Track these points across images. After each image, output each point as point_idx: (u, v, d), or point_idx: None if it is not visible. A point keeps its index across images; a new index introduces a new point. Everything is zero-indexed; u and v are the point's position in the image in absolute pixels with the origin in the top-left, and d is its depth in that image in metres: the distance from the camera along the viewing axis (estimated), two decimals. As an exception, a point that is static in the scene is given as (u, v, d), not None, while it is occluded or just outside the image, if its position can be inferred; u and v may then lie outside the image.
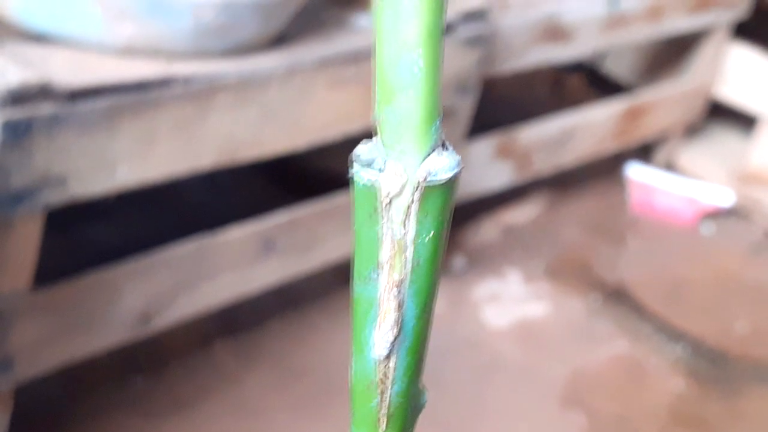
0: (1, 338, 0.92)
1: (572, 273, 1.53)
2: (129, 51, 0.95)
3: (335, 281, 1.32)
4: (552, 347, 1.38)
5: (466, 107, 1.32)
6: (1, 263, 0.89)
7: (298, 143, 1.10)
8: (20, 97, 0.84)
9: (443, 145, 0.26)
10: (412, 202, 0.26)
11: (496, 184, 1.51)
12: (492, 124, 1.50)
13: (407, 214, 0.26)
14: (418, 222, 0.26)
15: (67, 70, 0.90)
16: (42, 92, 0.86)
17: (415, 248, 0.27)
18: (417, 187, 0.26)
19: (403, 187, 0.26)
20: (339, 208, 1.21)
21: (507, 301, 1.44)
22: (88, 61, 0.93)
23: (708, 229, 1.73)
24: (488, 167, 1.47)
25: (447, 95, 1.28)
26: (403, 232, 0.26)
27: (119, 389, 1.12)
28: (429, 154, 0.26)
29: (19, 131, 0.85)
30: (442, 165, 0.26)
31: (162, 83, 0.94)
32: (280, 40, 1.07)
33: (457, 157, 0.26)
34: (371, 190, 0.26)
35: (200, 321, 1.18)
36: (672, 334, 1.44)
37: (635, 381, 1.35)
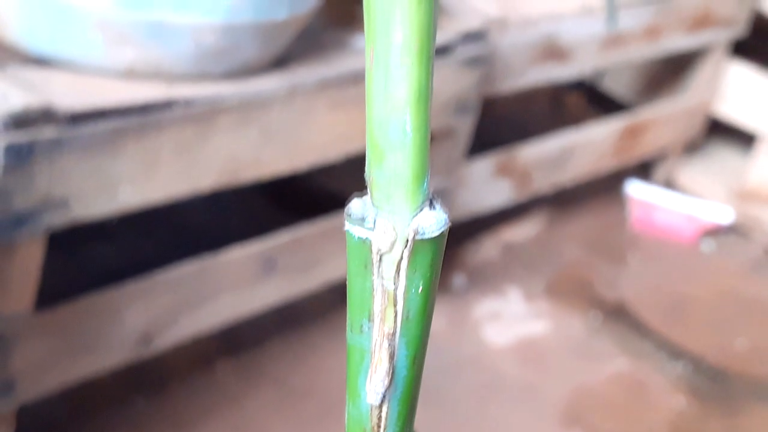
0: (3, 360, 0.93)
1: (572, 291, 1.53)
2: (130, 74, 0.96)
3: (336, 300, 1.32)
4: (552, 365, 1.39)
5: (465, 126, 1.33)
6: (3, 286, 0.90)
7: (298, 164, 1.11)
8: (22, 120, 0.85)
9: (431, 203, 0.27)
10: (402, 258, 0.27)
11: (496, 202, 1.52)
12: (492, 143, 1.50)
13: (397, 270, 0.27)
14: (408, 277, 0.27)
15: (68, 93, 0.91)
16: (44, 116, 0.86)
17: (405, 301, 0.27)
18: (406, 244, 0.27)
19: (393, 244, 0.27)
20: (340, 228, 1.21)
21: (507, 319, 1.44)
22: (89, 85, 0.94)
23: (708, 246, 1.73)
24: (488, 185, 1.47)
25: (447, 115, 1.28)
26: (393, 286, 0.27)
27: (121, 410, 1.12)
28: (418, 212, 0.27)
29: (22, 155, 0.86)
30: (431, 222, 0.26)
31: (163, 106, 0.94)
32: (280, 61, 1.07)
33: (445, 215, 0.27)
34: (363, 246, 0.27)
35: (201, 341, 1.18)
36: (672, 351, 1.45)
37: (636, 399, 1.36)
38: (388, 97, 0.25)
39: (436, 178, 1.32)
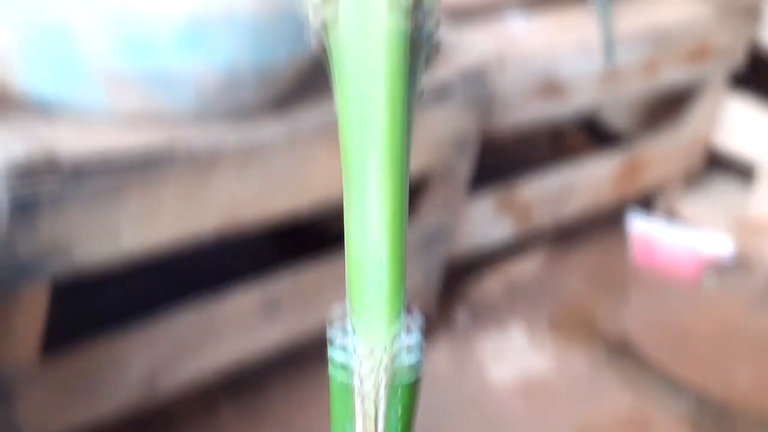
0: (8, 408, 0.93)
1: (575, 326, 1.54)
2: (132, 120, 0.97)
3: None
4: (556, 402, 1.39)
5: (464, 165, 1.34)
6: (8, 335, 0.90)
7: (299, 208, 1.12)
8: (26, 171, 0.86)
9: (408, 330, 0.28)
10: (381, 382, 0.28)
11: (497, 238, 1.52)
12: (492, 176, 1.51)
13: (377, 393, 0.28)
14: (388, 400, 0.28)
15: (71, 141, 0.92)
16: (47, 166, 0.87)
17: (386, 423, 0.28)
18: (386, 369, 0.28)
19: (373, 369, 0.28)
20: (342, 267, 1.22)
21: (511, 356, 1.45)
22: (92, 132, 0.95)
23: (710, 279, 1.74)
24: (489, 221, 1.48)
25: (446, 154, 1.29)
26: (374, 408, 0.28)
27: (125, 454, 1.12)
28: (395, 340, 0.28)
29: (26, 206, 0.87)
30: (407, 348, 0.28)
31: (166, 154, 0.95)
32: (281, 102, 1.08)
33: (421, 340, 0.28)
34: (345, 371, 0.28)
35: (205, 383, 1.18)
36: (676, 386, 1.45)
37: (640, 435, 1.36)
38: (364, 236, 0.26)
39: (436, 215, 1.33)
